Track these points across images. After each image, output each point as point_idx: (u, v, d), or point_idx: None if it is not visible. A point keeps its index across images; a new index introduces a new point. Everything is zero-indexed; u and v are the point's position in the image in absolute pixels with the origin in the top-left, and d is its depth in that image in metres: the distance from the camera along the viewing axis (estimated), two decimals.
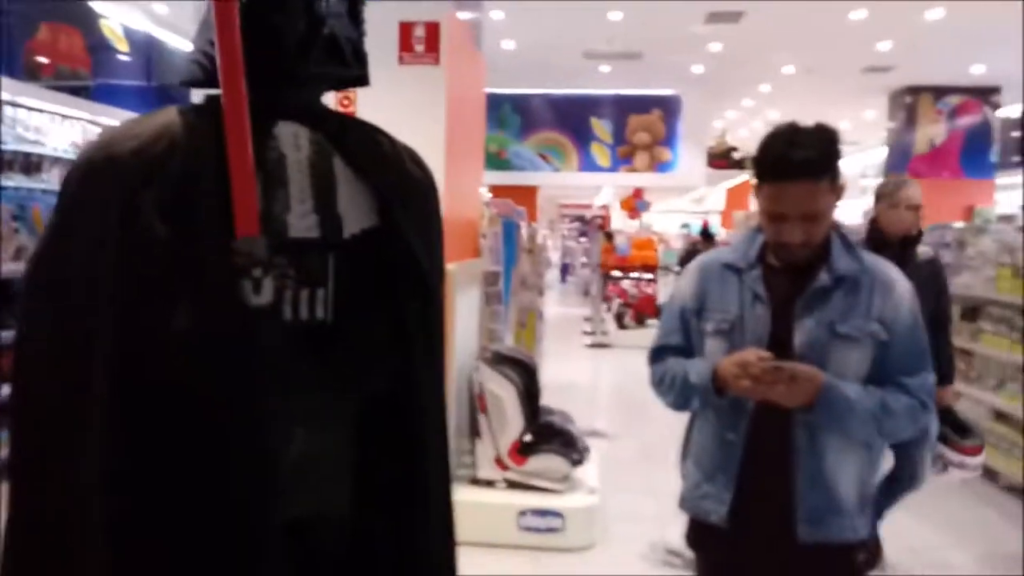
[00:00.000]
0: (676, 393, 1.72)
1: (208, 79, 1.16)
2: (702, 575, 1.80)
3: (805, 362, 1.57)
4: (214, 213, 1.08)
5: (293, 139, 1.20)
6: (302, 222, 1.17)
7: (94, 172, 1.13)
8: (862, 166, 17.57)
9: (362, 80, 1.30)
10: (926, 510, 3.97)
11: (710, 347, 1.69)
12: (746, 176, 15.67)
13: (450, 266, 3.70)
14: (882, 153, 13.32)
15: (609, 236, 11.88)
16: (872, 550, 1.71)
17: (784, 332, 1.62)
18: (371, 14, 1.29)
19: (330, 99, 3.26)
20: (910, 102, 12.07)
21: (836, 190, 1.60)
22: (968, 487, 4.52)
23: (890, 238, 3.11)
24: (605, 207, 19.69)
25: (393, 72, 3.41)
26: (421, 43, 3.38)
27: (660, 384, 1.77)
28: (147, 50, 8.00)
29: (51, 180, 6.38)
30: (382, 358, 1.25)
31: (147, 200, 1.09)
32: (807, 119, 1.64)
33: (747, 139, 16.72)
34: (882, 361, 1.62)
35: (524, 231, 6.31)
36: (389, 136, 1.35)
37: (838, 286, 1.62)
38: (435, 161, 3.57)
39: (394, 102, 3.44)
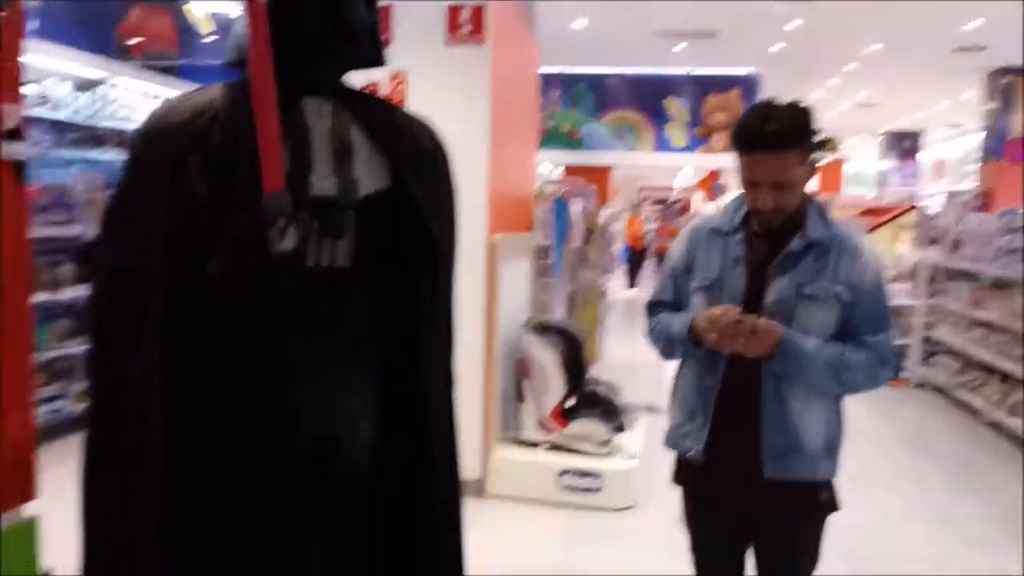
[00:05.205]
0: (664, 342, 1.90)
1: None
2: (685, 508, 1.97)
3: (774, 319, 1.71)
4: (247, 174, 1.25)
5: (317, 111, 1.38)
6: (323, 182, 1.35)
7: (151, 140, 1.34)
8: (964, 150, 16.68)
9: (377, 61, 1.47)
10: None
11: (695, 302, 1.85)
12: (829, 158, 15.17)
13: (496, 236, 3.89)
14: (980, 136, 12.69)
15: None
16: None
17: (758, 291, 1.76)
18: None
19: (385, 79, 3.44)
20: (1006, 83, 11.47)
21: (807, 163, 1.72)
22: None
23: None
24: (687, 190, 19.36)
25: (440, 53, 3.60)
26: (468, 25, 3.55)
27: (652, 334, 1.95)
28: (229, 31, 8.31)
29: None
30: (394, 305, 1.42)
31: (193, 164, 1.28)
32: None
33: (834, 120, 16.14)
34: (847, 321, 1.75)
35: (581, 209, 6.38)
36: (405, 112, 1.52)
37: (809, 251, 1.75)
38: (480, 137, 3.75)
39: (442, 82, 3.62)
